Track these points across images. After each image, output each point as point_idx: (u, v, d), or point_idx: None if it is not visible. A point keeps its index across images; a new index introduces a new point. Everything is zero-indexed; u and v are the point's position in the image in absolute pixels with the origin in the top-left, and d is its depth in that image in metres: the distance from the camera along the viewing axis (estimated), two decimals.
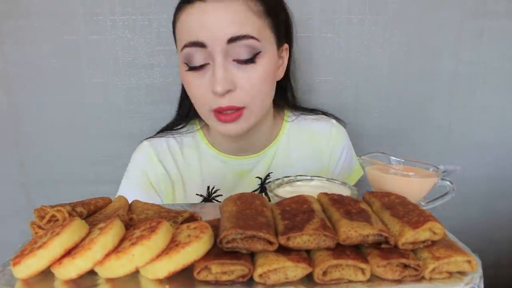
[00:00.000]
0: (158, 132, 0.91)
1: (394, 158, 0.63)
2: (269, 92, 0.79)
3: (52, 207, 0.49)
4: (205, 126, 0.88)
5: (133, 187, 0.84)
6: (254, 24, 0.73)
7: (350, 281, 0.42)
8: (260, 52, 0.74)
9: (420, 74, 1.12)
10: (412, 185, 0.57)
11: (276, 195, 0.58)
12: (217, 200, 0.85)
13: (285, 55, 0.84)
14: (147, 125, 1.08)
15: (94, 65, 1.05)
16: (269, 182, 0.85)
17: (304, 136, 0.90)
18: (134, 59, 1.05)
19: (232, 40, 0.71)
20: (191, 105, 0.85)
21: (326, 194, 0.53)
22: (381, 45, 1.09)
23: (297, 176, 0.65)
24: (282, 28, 0.82)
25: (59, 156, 1.10)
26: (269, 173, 0.86)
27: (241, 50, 0.72)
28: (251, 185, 0.86)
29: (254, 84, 0.74)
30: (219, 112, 0.74)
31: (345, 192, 0.58)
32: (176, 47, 0.79)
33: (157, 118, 1.06)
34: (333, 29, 1.07)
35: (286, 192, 0.60)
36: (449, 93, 1.15)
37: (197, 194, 0.85)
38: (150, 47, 1.05)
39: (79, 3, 1.01)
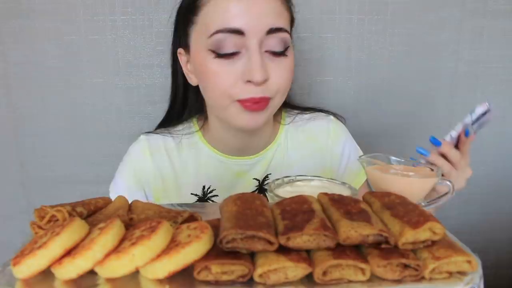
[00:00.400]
0: (156, 128, 0.90)
1: (394, 158, 0.63)
2: (289, 87, 0.79)
3: (52, 207, 0.49)
4: (204, 126, 0.87)
5: (124, 179, 0.84)
6: (286, 17, 0.74)
7: (350, 281, 0.42)
8: (289, 46, 0.74)
9: (420, 74, 1.12)
10: (412, 185, 0.57)
11: (276, 195, 0.58)
12: (212, 201, 0.84)
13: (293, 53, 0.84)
14: (147, 125, 1.08)
15: (94, 65, 1.05)
16: (268, 182, 0.85)
17: (302, 136, 0.88)
18: (134, 59, 1.05)
19: (271, 31, 0.70)
20: (185, 104, 0.84)
21: (326, 194, 0.53)
22: (381, 45, 1.09)
23: (297, 176, 0.65)
24: (293, 28, 0.82)
25: (59, 156, 1.10)
26: (267, 175, 0.86)
27: (276, 42, 0.71)
28: (248, 186, 0.85)
29: (284, 77, 0.74)
30: (249, 102, 0.72)
31: (345, 192, 0.58)
32: (187, 32, 0.76)
33: (157, 118, 1.06)
34: (333, 29, 1.07)
35: (286, 192, 0.60)
36: (449, 93, 1.15)
37: (192, 194, 0.84)
38: (150, 47, 1.05)
39: (79, 3, 1.01)
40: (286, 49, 0.73)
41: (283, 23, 0.72)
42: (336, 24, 1.07)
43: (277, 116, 0.90)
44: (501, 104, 1.17)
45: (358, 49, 1.09)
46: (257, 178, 0.86)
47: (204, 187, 0.85)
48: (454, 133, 0.70)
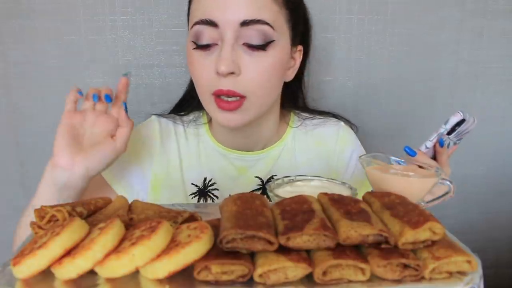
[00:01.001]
0: (169, 113, 0.90)
1: (394, 158, 0.63)
2: (274, 87, 0.77)
3: (52, 207, 0.49)
4: (210, 119, 0.87)
5: (129, 148, 0.83)
6: (271, 11, 0.71)
7: (350, 281, 0.42)
8: (273, 41, 0.71)
9: (420, 74, 1.12)
10: (412, 185, 0.57)
11: (276, 195, 0.58)
12: (212, 194, 0.84)
13: (298, 57, 0.82)
14: None
15: (94, 65, 1.05)
16: (269, 182, 0.85)
17: (310, 140, 0.88)
18: (134, 59, 1.05)
19: (245, 23, 0.69)
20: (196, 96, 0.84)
21: (326, 194, 0.53)
22: (381, 45, 1.09)
23: (297, 176, 0.65)
24: (299, 27, 0.80)
25: None
26: (272, 176, 0.85)
27: (254, 35, 0.70)
28: (249, 184, 0.85)
29: (260, 73, 0.72)
30: (218, 97, 0.72)
31: (345, 192, 0.58)
32: (188, 27, 0.78)
33: None
34: (333, 29, 1.07)
35: (286, 192, 0.60)
36: (449, 93, 1.15)
37: (192, 184, 0.84)
38: (150, 47, 1.05)
39: (79, 3, 1.01)
40: (267, 43, 0.71)
41: (264, 15, 0.70)
42: (336, 24, 1.07)
43: (285, 117, 0.90)
44: (501, 104, 1.17)
45: (358, 49, 1.09)
46: (260, 176, 0.85)
47: (205, 179, 0.84)
48: (429, 143, 0.71)
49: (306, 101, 0.93)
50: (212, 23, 0.70)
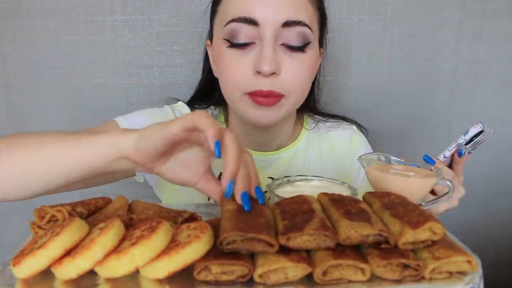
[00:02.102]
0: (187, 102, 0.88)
1: (394, 158, 0.63)
2: (307, 88, 0.76)
3: (52, 207, 0.49)
4: (227, 118, 0.85)
5: (144, 118, 0.78)
6: (309, 13, 0.71)
7: (350, 281, 0.42)
8: (310, 42, 0.71)
9: (420, 74, 1.12)
10: (412, 185, 0.57)
11: (276, 195, 0.58)
12: None
13: (320, 59, 0.82)
14: None
15: (94, 65, 1.05)
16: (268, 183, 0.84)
17: (324, 143, 0.88)
18: (134, 59, 1.05)
19: (287, 24, 0.68)
20: (208, 97, 0.83)
21: (326, 194, 0.53)
22: (381, 45, 1.09)
23: (297, 176, 0.65)
24: (325, 29, 0.81)
25: None
26: (285, 177, 0.84)
27: (293, 36, 0.69)
28: (263, 184, 0.81)
29: (300, 73, 0.71)
30: (256, 96, 0.70)
31: (345, 192, 0.58)
32: (212, 23, 0.76)
33: None
34: (333, 29, 1.07)
35: (286, 192, 0.60)
36: (449, 93, 1.15)
37: None
38: (150, 47, 1.05)
39: (79, 3, 1.01)
40: (305, 45, 0.70)
41: (304, 17, 0.69)
42: (336, 24, 1.07)
43: (300, 119, 0.89)
44: (500, 104, 1.17)
45: (358, 49, 1.09)
46: (273, 177, 0.84)
47: (221, 173, 0.80)
48: (447, 153, 0.71)
49: (317, 105, 0.93)
50: (252, 22, 0.68)
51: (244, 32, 0.69)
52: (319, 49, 0.80)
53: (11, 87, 1.05)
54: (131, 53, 1.05)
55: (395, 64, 1.11)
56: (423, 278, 0.42)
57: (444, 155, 0.72)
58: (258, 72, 0.68)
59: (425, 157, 0.70)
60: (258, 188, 0.52)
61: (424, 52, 1.11)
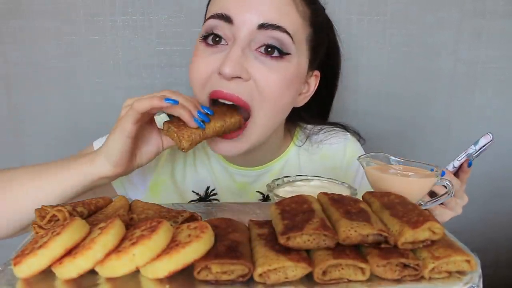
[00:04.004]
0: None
1: (393, 158, 0.63)
2: (282, 107, 0.69)
3: (53, 207, 0.49)
4: None
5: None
6: (294, 21, 0.65)
7: (349, 281, 0.42)
8: (289, 54, 0.65)
9: (419, 74, 1.13)
10: (411, 185, 0.57)
11: (276, 195, 0.58)
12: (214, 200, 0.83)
13: (313, 83, 0.76)
14: None
15: (94, 65, 1.05)
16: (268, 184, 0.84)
17: (316, 154, 0.84)
18: (134, 59, 1.06)
19: (263, 26, 0.62)
20: None
21: (326, 194, 0.53)
22: (381, 45, 1.09)
23: (296, 176, 0.65)
24: (321, 51, 0.75)
25: (59, 156, 1.09)
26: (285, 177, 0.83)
27: (270, 42, 0.63)
28: (251, 199, 0.81)
29: (271, 82, 0.64)
30: (216, 96, 0.65)
31: (345, 192, 0.58)
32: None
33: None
34: None
35: (286, 192, 0.60)
36: (448, 93, 1.15)
37: (193, 191, 0.81)
38: (150, 47, 1.05)
39: (79, 3, 1.01)
40: (283, 54, 0.64)
41: (285, 23, 0.63)
42: (336, 24, 1.07)
43: (290, 131, 0.85)
44: (500, 104, 1.17)
45: (357, 50, 1.09)
46: (262, 192, 0.81)
47: (208, 187, 0.81)
48: (456, 163, 0.71)
49: (311, 120, 0.87)
50: (227, 19, 0.63)
51: (220, 30, 0.65)
52: (313, 71, 0.75)
53: (11, 87, 1.05)
54: (132, 53, 1.05)
55: (394, 64, 1.11)
56: (422, 277, 0.42)
57: (453, 165, 0.72)
58: (220, 73, 0.63)
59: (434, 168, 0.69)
60: (202, 106, 0.63)
61: (423, 53, 1.11)
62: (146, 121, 0.63)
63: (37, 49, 1.03)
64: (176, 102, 0.58)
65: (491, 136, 0.69)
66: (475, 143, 0.70)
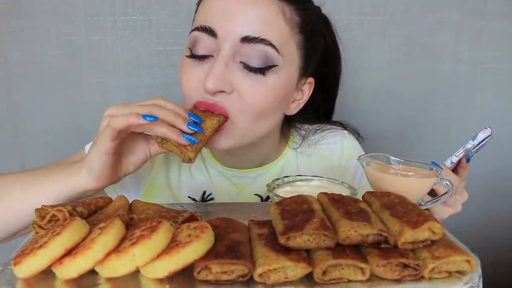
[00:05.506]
0: None
1: (393, 158, 0.63)
2: (268, 118, 0.68)
3: (53, 207, 0.49)
4: None
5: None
6: (280, 32, 0.63)
7: (349, 281, 0.42)
8: (275, 66, 0.63)
9: (419, 74, 1.13)
10: (411, 185, 0.57)
11: (276, 195, 0.58)
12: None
13: (307, 90, 0.74)
14: None
15: (94, 65, 1.05)
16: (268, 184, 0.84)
17: (314, 155, 0.83)
18: (134, 59, 1.06)
19: (247, 39, 0.61)
20: None
21: (326, 194, 0.53)
22: (381, 45, 1.09)
23: (297, 176, 0.65)
24: (315, 56, 0.73)
25: (59, 156, 1.10)
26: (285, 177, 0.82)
27: (253, 55, 0.62)
28: (249, 201, 0.80)
29: (254, 94, 0.63)
30: (200, 106, 0.65)
31: (345, 192, 0.58)
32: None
33: None
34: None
35: (286, 192, 0.60)
36: (448, 93, 1.15)
37: (189, 197, 0.80)
38: (150, 47, 1.05)
39: (79, 3, 1.01)
40: (267, 68, 0.63)
41: (270, 35, 0.62)
42: (336, 25, 1.07)
43: (285, 134, 0.84)
44: (500, 104, 1.17)
45: (357, 50, 1.09)
46: (260, 194, 0.81)
47: (204, 192, 0.81)
48: (454, 158, 0.70)
49: (307, 126, 0.86)
50: (211, 32, 0.63)
51: (204, 43, 0.64)
52: (306, 78, 0.73)
53: (11, 87, 1.05)
54: (132, 53, 1.05)
55: (394, 64, 1.11)
56: (422, 277, 0.42)
57: (451, 160, 0.71)
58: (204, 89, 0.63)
59: (433, 163, 0.69)
60: (190, 115, 0.60)
61: (424, 53, 1.11)
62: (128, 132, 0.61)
63: (37, 49, 1.03)
64: (155, 119, 0.55)
65: (490, 130, 0.68)
66: (473, 138, 0.69)
